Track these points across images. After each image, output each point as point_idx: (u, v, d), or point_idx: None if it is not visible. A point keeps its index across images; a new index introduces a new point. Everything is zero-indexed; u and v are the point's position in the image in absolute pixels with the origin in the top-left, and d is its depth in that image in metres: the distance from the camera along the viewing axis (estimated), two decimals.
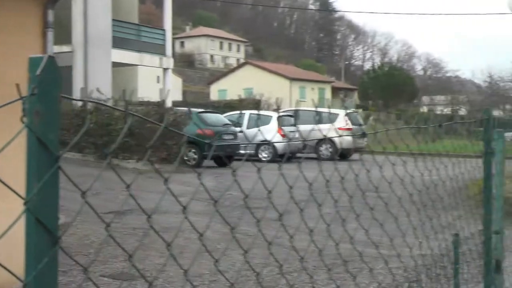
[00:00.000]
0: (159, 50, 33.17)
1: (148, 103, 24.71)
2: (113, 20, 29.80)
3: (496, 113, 64.88)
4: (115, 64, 30.14)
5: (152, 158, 17.81)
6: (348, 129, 26.05)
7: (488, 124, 3.61)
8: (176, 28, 75.25)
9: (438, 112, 62.73)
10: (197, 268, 7.35)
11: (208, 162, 21.85)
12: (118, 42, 30.10)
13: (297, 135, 25.37)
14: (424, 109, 74.29)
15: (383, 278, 6.38)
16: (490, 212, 3.67)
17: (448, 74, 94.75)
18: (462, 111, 64.07)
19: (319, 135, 24.87)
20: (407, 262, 5.13)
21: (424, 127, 3.53)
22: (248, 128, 26.26)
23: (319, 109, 30.04)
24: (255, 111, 29.41)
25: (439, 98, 77.71)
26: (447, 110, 65.11)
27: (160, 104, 23.78)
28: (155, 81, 44.57)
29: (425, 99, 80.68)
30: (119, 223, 10.29)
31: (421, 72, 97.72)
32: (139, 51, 31.79)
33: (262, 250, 4.60)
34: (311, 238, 2.67)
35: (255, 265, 7.39)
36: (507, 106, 68.80)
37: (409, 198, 3.87)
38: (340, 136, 25.10)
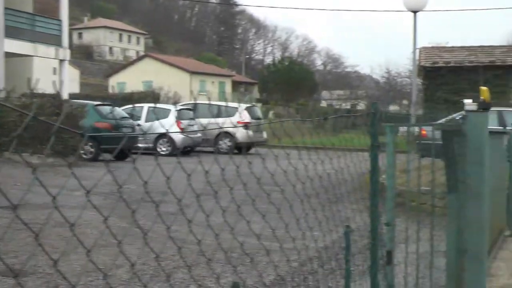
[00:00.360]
0: (54, 41, 32.28)
1: (43, 95, 23.99)
2: (6, 8, 28.78)
3: (393, 108, 66.76)
4: (8, 55, 29.14)
5: (48, 152, 17.33)
6: (247, 123, 26.19)
7: (375, 118, 3.68)
8: (73, 19, 73.59)
9: (337, 107, 63.99)
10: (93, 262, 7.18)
11: (105, 155, 21.45)
12: (11, 32, 29.08)
13: (196, 128, 25.31)
14: (323, 103, 75.63)
15: (278, 271, 6.44)
16: (376, 204, 3.76)
17: (347, 69, 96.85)
18: (361, 106, 65.58)
19: (218, 129, 24.91)
20: (305, 254, 5.20)
21: (308, 120, 3.57)
22: (146, 121, 25.96)
23: (219, 103, 30.09)
24: (154, 104, 29.13)
25: (338, 92, 79.29)
26: (345, 105, 66.49)
27: (56, 96, 23.15)
28: (52, 72, 43.42)
29: (325, 93, 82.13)
30: (7, 218, 9.96)
31: (321, 67, 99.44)
32: (33, 41, 30.83)
33: (159, 244, 4.53)
34: (214, 232, 2.65)
35: (152, 259, 7.32)
36: (404, 101, 70.95)
37: (306, 191, 3.90)
38: (242, 127, 25.21)
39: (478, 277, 5.18)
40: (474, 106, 4.83)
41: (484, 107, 4.86)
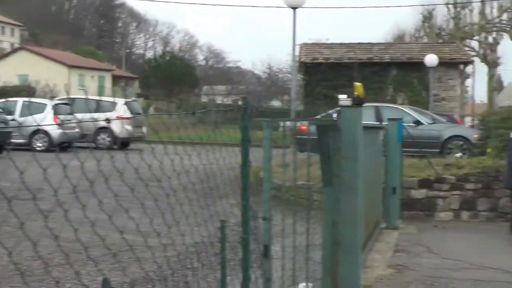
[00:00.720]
0: None
1: None
2: None
3: (275, 103, 67.53)
4: None
5: None
6: (127, 118, 25.78)
7: (245, 112, 3.71)
8: None
9: (219, 102, 64.18)
10: None
11: None
12: None
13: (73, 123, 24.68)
14: (205, 98, 75.62)
15: (151, 267, 6.37)
16: (247, 197, 3.78)
17: (229, 65, 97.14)
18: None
19: (96, 124, 24.40)
20: (180, 249, 5.16)
21: (176, 114, 3.56)
22: (21, 116, 25.04)
23: (97, 98, 29.48)
24: (29, 99, 28.19)
25: (220, 88, 79.52)
26: (227, 100, 66.76)
27: None
28: None
29: (207, 88, 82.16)
30: None
31: (203, 62, 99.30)
32: None
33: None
34: (93, 230, 2.58)
35: (24, 259, 7.07)
36: (286, 97, 71.98)
37: (185, 187, 3.88)
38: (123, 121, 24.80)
39: (352, 269, 5.33)
40: (348, 102, 4.95)
41: (358, 102, 5.00)
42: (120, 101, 27.69)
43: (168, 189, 3.60)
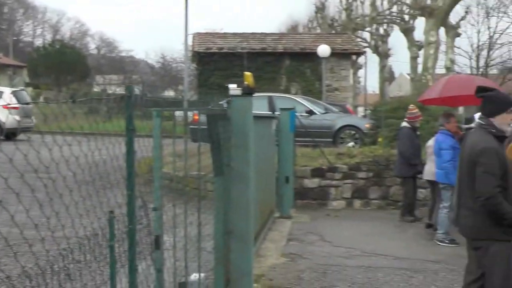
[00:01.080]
0: None
1: None
2: None
3: (169, 93, 67.05)
4: None
5: None
6: (14, 107, 24.86)
7: (130, 101, 3.62)
8: None
9: (111, 91, 63.07)
10: None
11: None
12: None
13: None
14: (97, 88, 74.16)
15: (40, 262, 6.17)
16: (132, 188, 3.70)
17: (122, 54, 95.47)
18: (136, 91, 64.84)
19: None
20: (69, 242, 5.01)
21: (54, 102, 3.44)
22: None
23: None
24: None
25: (113, 77, 78.17)
26: (120, 90, 65.70)
27: None
28: None
29: (99, 78, 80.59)
30: None
31: (95, 51, 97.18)
32: None
33: None
34: None
35: None
36: (180, 87, 71.56)
37: (76, 178, 3.75)
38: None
39: (244, 258, 5.33)
40: (238, 91, 4.93)
41: (248, 91, 4.98)
42: (7, 90, 26.70)
43: (55, 181, 3.49)
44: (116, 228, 3.92)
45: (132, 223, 3.72)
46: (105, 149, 4.07)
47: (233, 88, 4.91)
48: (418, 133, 12.29)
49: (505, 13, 47.94)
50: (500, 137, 5.47)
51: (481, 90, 5.64)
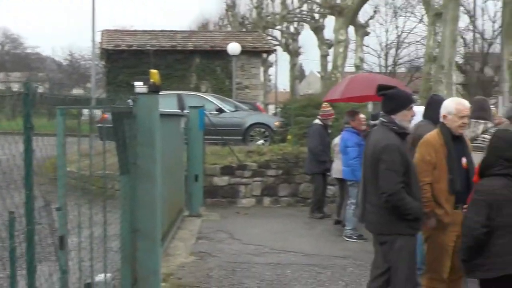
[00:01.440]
0: None
1: None
2: None
3: (77, 91, 65.71)
4: None
5: None
6: None
7: (27, 99, 3.54)
8: None
9: (15, 89, 61.34)
10: None
11: None
12: None
13: None
14: (0, 86, 71.98)
15: None
16: (30, 187, 3.62)
17: (27, 51, 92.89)
18: (42, 89, 63.50)
19: None
20: None
21: None
22: None
23: None
24: None
25: (17, 75, 76.04)
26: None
27: None
28: None
29: (2, 76, 78.26)
30: None
31: None
32: None
33: None
34: None
35: None
36: (88, 85, 70.29)
37: None
38: None
39: (151, 257, 5.29)
40: (144, 89, 4.89)
41: (154, 89, 4.95)
42: None
43: None
44: (17, 229, 3.82)
45: (31, 223, 3.63)
46: (6, 148, 3.96)
47: (139, 85, 4.86)
48: (329, 131, 12.47)
49: (412, 13, 49.29)
50: (402, 133, 5.62)
51: (381, 88, 5.79)
